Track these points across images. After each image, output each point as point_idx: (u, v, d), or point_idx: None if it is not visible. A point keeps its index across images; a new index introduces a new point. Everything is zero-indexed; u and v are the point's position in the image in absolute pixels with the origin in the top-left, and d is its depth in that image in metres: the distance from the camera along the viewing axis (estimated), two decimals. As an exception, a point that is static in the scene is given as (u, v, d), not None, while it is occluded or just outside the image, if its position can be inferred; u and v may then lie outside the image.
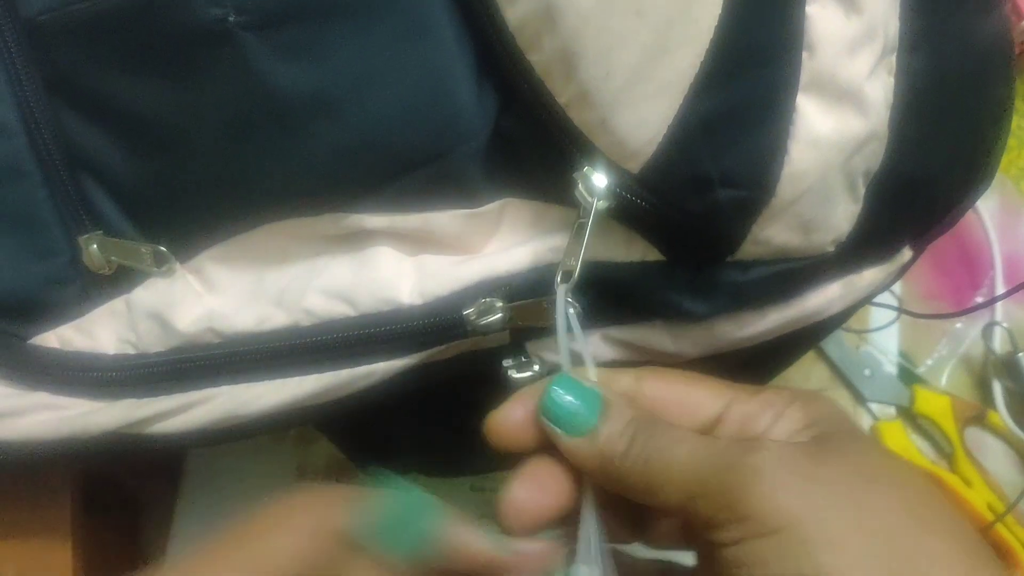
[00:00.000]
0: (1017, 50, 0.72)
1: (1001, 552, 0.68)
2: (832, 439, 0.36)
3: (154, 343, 0.47)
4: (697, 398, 0.40)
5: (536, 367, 0.46)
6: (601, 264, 0.43)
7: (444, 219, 0.44)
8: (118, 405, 0.46)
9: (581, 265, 0.41)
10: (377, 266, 0.45)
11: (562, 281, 0.41)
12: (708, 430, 0.39)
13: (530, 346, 0.46)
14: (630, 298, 0.44)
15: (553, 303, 0.42)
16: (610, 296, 0.44)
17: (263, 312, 0.45)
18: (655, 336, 0.46)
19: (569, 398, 0.38)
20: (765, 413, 0.38)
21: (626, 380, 0.40)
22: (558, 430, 0.38)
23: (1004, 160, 0.77)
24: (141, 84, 0.43)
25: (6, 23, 0.44)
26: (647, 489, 0.36)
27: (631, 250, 0.43)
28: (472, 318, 0.44)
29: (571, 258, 0.42)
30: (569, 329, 0.41)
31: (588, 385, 0.39)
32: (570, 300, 0.42)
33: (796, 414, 0.38)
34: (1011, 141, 0.78)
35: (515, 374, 0.46)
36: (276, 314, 0.45)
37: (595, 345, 0.46)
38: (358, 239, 0.45)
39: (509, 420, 0.40)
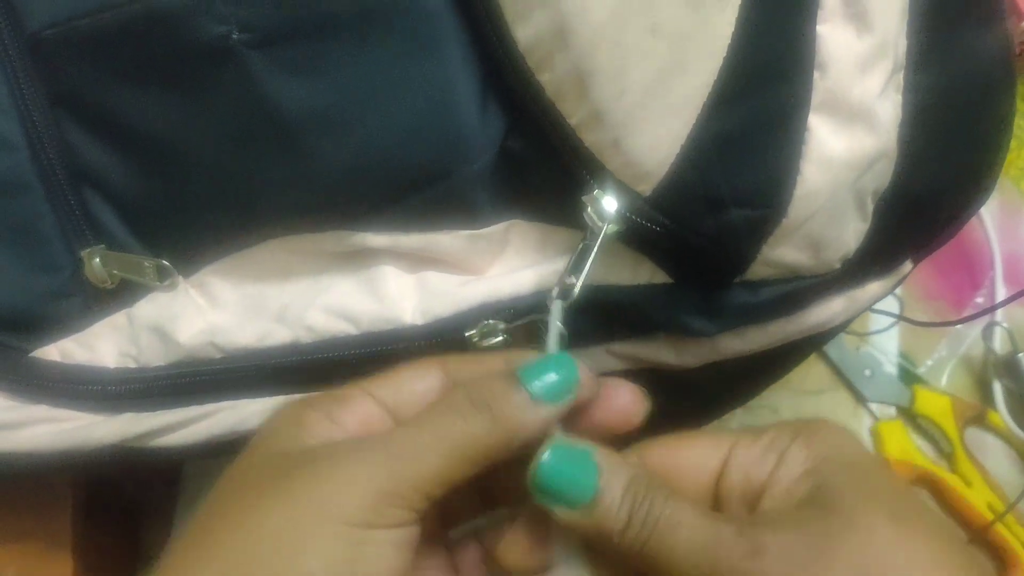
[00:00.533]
0: (1017, 50, 0.72)
1: (1001, 552, 0.68)
2: (834, 495, 0.33)
3: (155, 357, 0.47)
4: (699, 454, 0.38)
5: None
6: (607, 287, 0.43)
7: (447, 240, 0.44)
8: (118, 419, 0.46)
9: (583, 287, 0.41)
10: (380, 285, 0.45)
11: (557, 297, 0.41)
12: (713, 484, 0.37)
13: None
14: (636, 318, 0.44)
15: (544, 322, 0.41)
16: (616, 316, 0.44)
17: (265, 328, 0.45)
18: (658, 350, 0.46)
19: (561, 467, 0.35)
20: (767, 457, 0.36)
21: (631, 462, 0.38)
22: (553, 504, 0.35)
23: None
24: (145, 99, 0.43)
25: (10, 38, 0.44)
26: (651, 568, 0.34)
27: (638, 272, 0.43)
28: (474, 340, 0.44)
29: (571, 277, 0.41)
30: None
31: (581, 449, 0.36)
32: (559, 323, 0.41)
33: (798, 454, 0.36)
34: (1011, 141, 0.78)
35: None
36: (278, 330, 0.45)
37: (599, 358, 0.46)
38: (362, 257, 0.45)
39: (518, 547, 0.38)
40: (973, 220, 0.75)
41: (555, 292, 0.41)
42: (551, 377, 0.36)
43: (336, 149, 0.42)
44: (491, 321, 0.44)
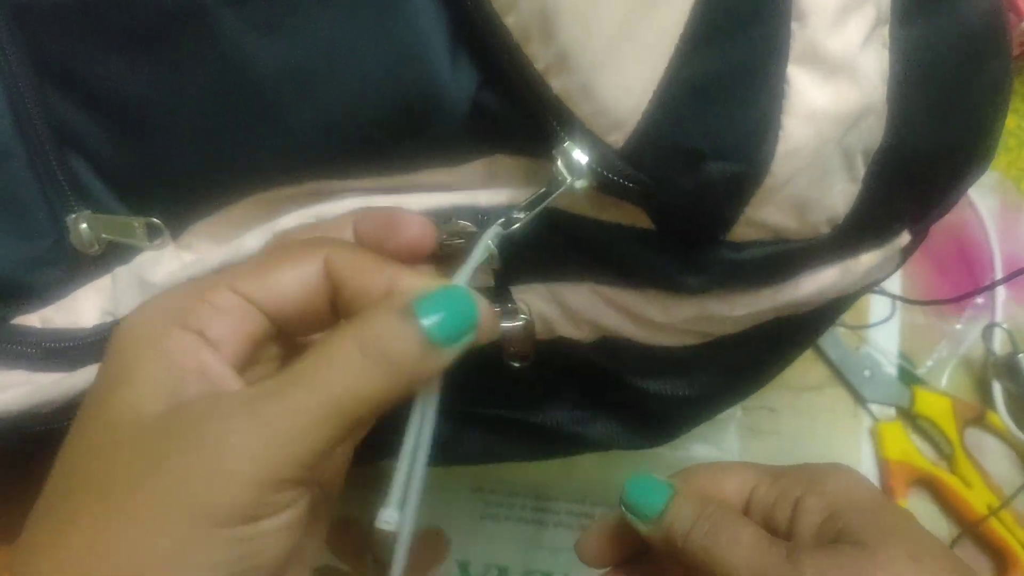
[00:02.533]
0: (1016, 51, 0.72)
1: (999, 551, 0.68)
2: (859, 535, 0.38)
3: (131, 304, 0.46)
4: (729, 487, 0.44)
5: (523, 317, 0.45)
6: (589, 220, 0.42)
7: (430, 177, 0.43)
8: (92, 368, 0.45)
9: (570, 216, 0.42)
10: (354, 203, 0.44)
11: (499, 224, 0.40)
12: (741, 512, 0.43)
13: (515, 291, 0.45)
14: (619, 260, 0.43)
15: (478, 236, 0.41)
16: (600, 254, 0.43)
17: (235, 243, 0.45)
18: (645, 304, 0.44)
19: (642, 490, 0.43)
20: (783, 505, 0.41)
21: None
22: (632, 517, 0.43)
23: (1004, 160, 0.77)
24: (123, 63, 0.43)
25: None
26: (708, 573, 0.40)
27: (623, 212, 0.42)
28: (442, 238, 0.41)
29: (520, 212, 0.41)
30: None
31: (661, 480, 0.43)
32: (491, 244, 0.40)
33: (814, 504, 0.40)
34: (1011, 141, 0.78)
35: (505, 324, 0.45)
36: (248, 241, 0.44)
37: (584, 297, 0.45)
38: (340, 191, 0.45)
39: (593, 545, 0.46)
40: (973, 220, 0.76)
41: (501, 221, 0.41)
42: (450, 315, 0.34)
43: (309, 105, 0.42)
44: (462, 221, 0.42)
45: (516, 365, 0.47)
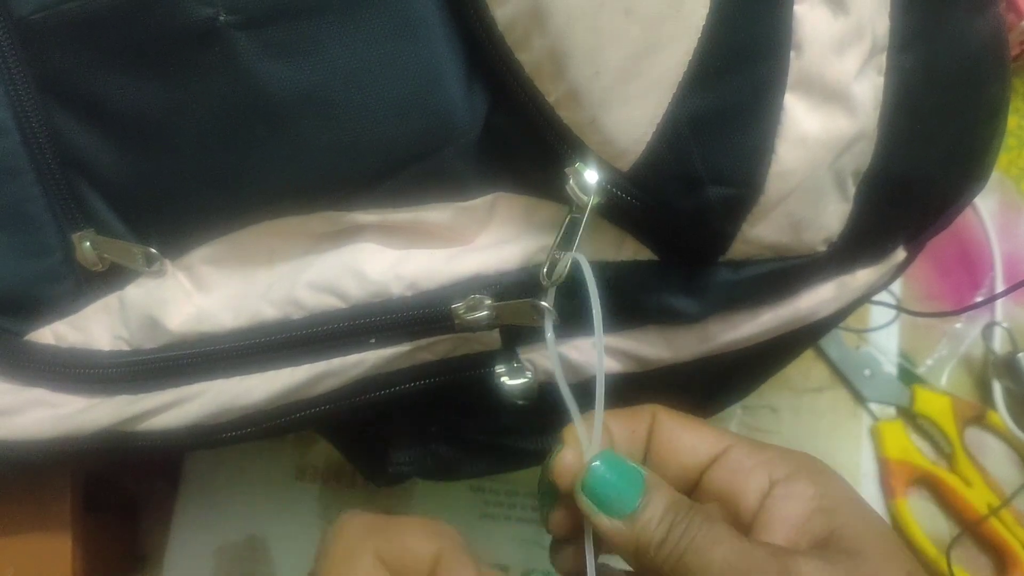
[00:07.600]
0: (1016, 51, 0.72)
1: (1000, 551, 0.68)
2: (856, 546, 0.36)
3: (146, 340, 0.47)
4: (698, 440, 0.41)
5: (528, 374, 0.46)
6: (591, 263, 0.43)
7: (435, 213, 0.44)
8: (112, 401, 0.47)
9: (568, 266, 0.41)
10: (367, 260, 0.45)
11: (548, 275, 0.42)
12: (698, 473, 0.40)
13: (522, 351, 0.47)
14: (622, 299, 0.44)
15: (539, 307, 0.42)
16: (602, 299, 0.44)
17: (253, 308, 0.46)
18: (648, 343, 0.46)
19: (611, 476, 0.38)
20: (759, 475, 0.39)
21: (644, 420, 0.41)
22: (596, 509, 0.38)
23: (1004, 160, 0.77)
24: (132, 83, 0.43)
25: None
26: None
27: (622, 249, 0.43)
28: (460, 312, 0.44)
29: (561, 252, 0.42)
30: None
31: (631, 464, 0.38)
32: (548, 307, 0.42)
33: (805, 490, 0.38)
34: (1011, 141, 0.78)
35: (508, 381, 0.46)
36: (266, 309, 0.45)
37: (586, 352, 0.46)
38: (348, 234, 0.45)
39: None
40: (973, 220, 0.76)
41: (546, 269, 0.42)
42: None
43: (323, 129, 0.42)
44: (477, 296, 0.44)
45: (520, 402, 0.48)
